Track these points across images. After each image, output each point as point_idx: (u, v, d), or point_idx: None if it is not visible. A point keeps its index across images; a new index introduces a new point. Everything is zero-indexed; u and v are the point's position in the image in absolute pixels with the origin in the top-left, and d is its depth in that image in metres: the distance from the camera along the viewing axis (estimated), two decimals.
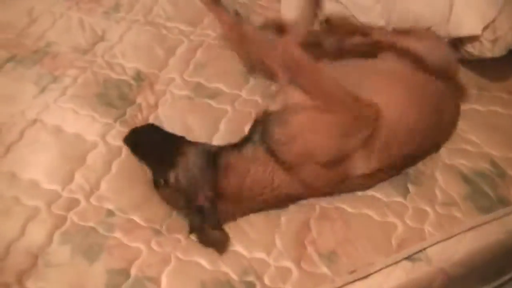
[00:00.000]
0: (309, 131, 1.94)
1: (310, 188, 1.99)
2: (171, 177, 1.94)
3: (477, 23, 2.40)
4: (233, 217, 1.96)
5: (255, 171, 1.95)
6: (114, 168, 2.14)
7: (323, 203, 2.03)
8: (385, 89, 2.07)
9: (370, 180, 2.04)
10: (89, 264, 1.83)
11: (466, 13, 2.44)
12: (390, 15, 2.53)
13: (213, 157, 1.98)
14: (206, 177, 1.93)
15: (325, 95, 1.97)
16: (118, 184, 2.09)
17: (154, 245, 1.90)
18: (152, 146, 2.05)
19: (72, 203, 2.02)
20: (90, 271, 1.82)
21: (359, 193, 2.06)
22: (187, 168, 1.95)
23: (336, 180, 2.00)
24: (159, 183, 1.98)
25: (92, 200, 2.03)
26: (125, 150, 2.18)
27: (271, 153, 1.96)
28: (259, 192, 1.95)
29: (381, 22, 2.53)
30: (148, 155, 2.06)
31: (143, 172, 2.10)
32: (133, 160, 2.14)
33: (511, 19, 2.41)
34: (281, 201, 1.99)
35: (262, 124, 2.02)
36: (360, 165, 1.97)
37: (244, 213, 1.97)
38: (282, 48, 2.12)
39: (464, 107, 2.36)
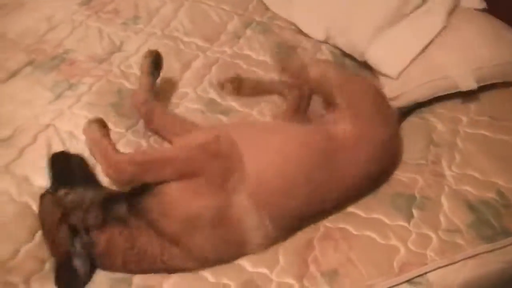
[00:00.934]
0: (185, 195, 1.88)
1: (203, 260, 1.90)
2: (62, 192, 1.96)
3: (396, 64, 2.51)
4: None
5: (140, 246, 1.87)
6: None
7: (328, 223, 2.04)
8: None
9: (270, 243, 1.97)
10: (95, 272, 1.87)
11: (386, 49, 2.57)
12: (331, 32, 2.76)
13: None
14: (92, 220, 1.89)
15: (177, 164, 1.94)
16: None
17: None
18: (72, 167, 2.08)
19: None
20: (95, 278, 1.85)
21: (363, 215, 2.08)
22: (81, 197, 1.95)
23: (232, 244, 1.93)
24: (46, 192, 2.01)
25: None
26: None
27: (153, 228, 1.87)
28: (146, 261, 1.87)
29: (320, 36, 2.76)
30: (61, 170, 2.07)
31: None
32: None
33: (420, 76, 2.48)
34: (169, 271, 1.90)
35: (128, 201, 1.94)
36: (256, 234, 1.93)
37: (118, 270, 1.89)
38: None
39: (474, 130, 2.40)
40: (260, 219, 1.90)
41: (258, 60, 2.78)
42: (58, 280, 1.79)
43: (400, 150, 2.28)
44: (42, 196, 2.00)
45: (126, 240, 1.85)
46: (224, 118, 2.44)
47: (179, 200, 1.87)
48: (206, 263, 1.89)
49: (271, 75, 2.66)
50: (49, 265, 1.87)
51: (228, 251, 1.92)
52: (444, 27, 2.50)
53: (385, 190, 2.16)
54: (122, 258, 1.85)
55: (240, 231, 1.89)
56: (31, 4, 3.10)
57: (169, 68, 2.65)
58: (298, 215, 1.99)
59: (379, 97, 2.34)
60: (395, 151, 2.25)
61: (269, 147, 2.04)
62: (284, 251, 1.95)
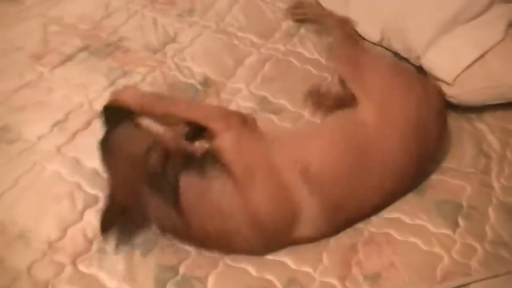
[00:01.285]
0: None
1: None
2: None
3: (452, 70, 2.46)
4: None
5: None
6: None
7: (372, 228, 2.04)
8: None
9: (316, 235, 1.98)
10: (142, 257, 1.89)
11: (442, 55, 2.52)
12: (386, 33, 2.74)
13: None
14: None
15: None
16: None
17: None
18: None
19: None
20: (142, 263, 1.87)
21: (408, 221, 2.06)
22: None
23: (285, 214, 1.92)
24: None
25: None
26: None
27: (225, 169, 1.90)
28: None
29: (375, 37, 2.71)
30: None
31: None
32: None
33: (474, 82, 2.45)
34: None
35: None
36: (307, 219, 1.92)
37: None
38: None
39: None
40: (313, 204, 1.91)
41: (311, 58, 2.77)
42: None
43: (442, 125, 2.24)
44: (117, 128, 1.97)
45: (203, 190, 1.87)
46: (275, 118, 2.44)
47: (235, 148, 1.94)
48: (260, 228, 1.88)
49: (324, 74, 2.66)
50: (96, 246, 1.91)
51: (280, 220, 1.91)
52: (503, 38, 2.48)
53: (432, 196, 2.14)
54: (197, 209, 1.85)
55: (293, 205, 1.90)
56: None
57: (222, 63, 2.68)
58: (346, 208, 1.99)
59: (397, 74, 2.34)
60: (434, 126, 2.16)
61: (314, 142, 2.05)
62: (328, 252, 1.95)
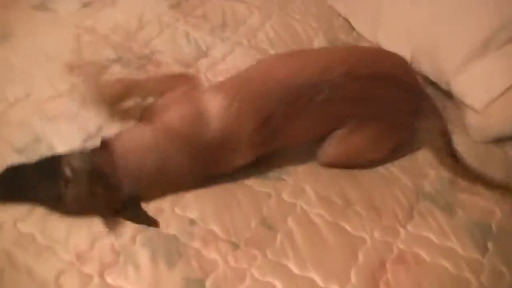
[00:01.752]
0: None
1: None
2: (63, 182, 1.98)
3: (482, 97, 2.45)
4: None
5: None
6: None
7: (401, 244, 2.04)
8: None
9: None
10: (168, 270, 1.88)
11: (473, 81, 2.51)
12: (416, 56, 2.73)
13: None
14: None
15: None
16: (202, 195, 2.14)
17: (230, 259, 1.94)
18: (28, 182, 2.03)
19: (158, 211, 2.08)
20: (168, 276, 1.86)
21: (437, 241, 2.06)
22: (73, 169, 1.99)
23: None
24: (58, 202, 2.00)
25: (177, 209, 2.09)
26: None
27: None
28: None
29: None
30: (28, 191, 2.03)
31: (228, 182, 2.19)
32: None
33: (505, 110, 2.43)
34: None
35: None
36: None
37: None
38: None
39: None
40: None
41: None
42: None
43: None
44: (60, 206, 2.02)
45: None
46: None
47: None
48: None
49: None
50: (123, 259, 1.90)
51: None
52: None
53: (462, 217, 2.15)
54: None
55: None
56: (123, 2, 3.17)
57: None
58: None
59: None
60: None
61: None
62: (357, 269, 1.95)
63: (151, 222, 2.01)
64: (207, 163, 2.11)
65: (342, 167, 2.29)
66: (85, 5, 3.16)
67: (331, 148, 2.24)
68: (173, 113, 2.13)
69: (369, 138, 2.25)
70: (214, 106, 2.09)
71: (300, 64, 2.19)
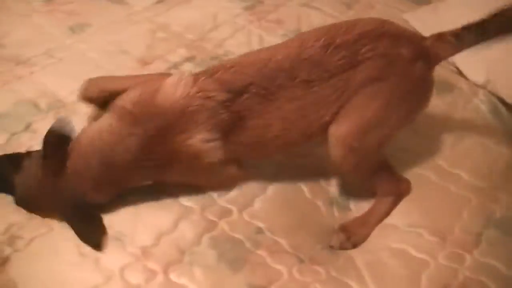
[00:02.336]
0: None
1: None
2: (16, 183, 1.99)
3: None
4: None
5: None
6: (270, 191, 2.18)
7: (467, 271, 1.97)
8: None
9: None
10: (232, 273, 1.87)
11: None
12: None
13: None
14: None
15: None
16: (271, 207, 2.12)
17: (295, 272, 1.92)
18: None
19: (226, 213, 2.07)
20: (232, 280, 1.85)
21: (505, 271, 1.98)
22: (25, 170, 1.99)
23: None
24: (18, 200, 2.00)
25: (245, 214, 2.08)
26: (281, 177, 2.23)
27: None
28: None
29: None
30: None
31: (297, 201, 2.16)
32: (289, 188, 2.20)
33: None
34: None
35: None
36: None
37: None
38: None
39: None
40: None
41: None
42: None
43: None
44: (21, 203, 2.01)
45: None
46: None
47: None
48: None
49: None
50: (188, 258, 1.90)
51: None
52: None
53: None
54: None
55: None
56: (197, 1, 3.19)
57: None
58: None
59: None
60: None
61: None
62: None
63: (94, 242, 1.91)
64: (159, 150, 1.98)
65: (361, 156, 2.02)
66: (159, 1, 3.18)
67: (342, 128, 1.97)
68: (127, 95, 2.02)
69: (378, 106, 1.97)
70: (168, 82, 2.01)
71: (275, 48, 2.08)
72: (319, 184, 2.24)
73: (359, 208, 2.18)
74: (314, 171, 2.27)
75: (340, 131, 1.96)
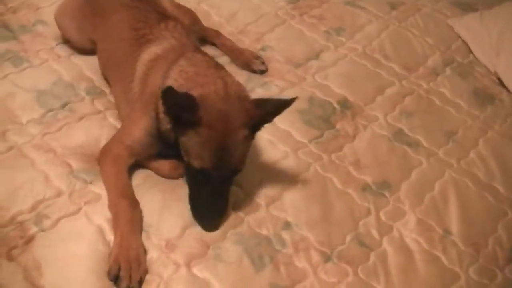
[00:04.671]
0: None
1: None
2: None
3: None
4: None
5: None
6: (300, 182, 2.16)
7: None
8: None
9: None
10: (255, 272, 1.84)
11: None
12: None
13: None
14: None
15: None
16: (300, 199, 2.10)
17: (320, 272, 1.89)
18: None
19: (253, 207, 2.05)
20: (255, 278, 1.83)
21: None
22: None
23: None
24: None
25: (272, 208, 2.05)
26: (313, 168, 2.22)
27: None
28: None
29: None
30: None
31: (326, 192, 2.14)
32: (319, 179, 2.18)
33: None
34: None
35: None
36: None
37: None
38: None
39: None
40: None
41: (452, 100, 2.71)
42: None
43: None
44: None
45: None
46: (409, 150, 2.39)
47: None
48: None
49: (465, 117, 2.62)
50: (212, 252, 1.88)
51: None
52: None
53: None
54: None
55: None
56: None
57: (362, 88, 2.65)
58: None
59: None
60: None
61: None
62: None
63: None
64: None
65: None
66: None
67: None
68: None
69: None
70: None
71: None
72: (349, 173, 2.23)
73: (394, 195, 2.19)
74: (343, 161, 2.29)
75: None
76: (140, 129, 2.06)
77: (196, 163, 1.88)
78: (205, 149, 1.85)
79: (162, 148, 2.09)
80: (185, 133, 1.87)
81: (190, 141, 1.88)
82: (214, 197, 1.92)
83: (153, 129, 2.05)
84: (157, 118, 2.02)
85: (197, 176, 1.92)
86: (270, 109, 1.92)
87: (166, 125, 1.97)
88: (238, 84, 2.00)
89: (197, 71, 2.00)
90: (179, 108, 1.82)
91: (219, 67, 2.09)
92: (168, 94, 1.77)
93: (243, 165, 1.95)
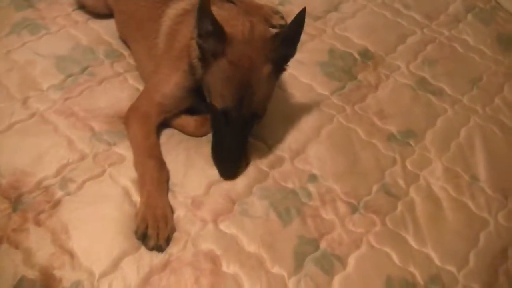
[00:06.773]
0: None
1: None
2: None
3: None
4: None
5: None
6: (323, 134, 2.15)
7: None
8: None
9: None
10: (283, 225, 1.84)
11: None
12: None
13: None
14: None
15: None
16: (324, 151, 2.10)
17: (348, 223, 1.88)
18: None
19: (277, 162, 2.04)
20: (283, 232, 1.82)
21: None
22: None
23: None
24: None
25: (297, 162, 2.04)
26: (336, 120, 2.21)
27: None
28: None
29: None
30: None
31: (350, 143, 2.13)
32: (343, 131, 2.17)
33: None
34: None
35: None
36: None
37: None
38: None
39: None
40: None
41: (475, 47, 2.67)
42: None
43: None
44: None
45: None
46: (433, 98, 2.37)
47: None
48: None
49: (489, 63, 2.58)
50: (239, 208, 1.88)
51: None
52: None
53: None
54: None
55: None
56: None
57: (384, 38, 2.63)
58: None
59: None
60: None
61: None
62: (476, 253, 1.86)
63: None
64: None
65: None
66: None
67: None
68: None
69: None
70: None
71: None
72: (373, 123, 2.23)
73: (420, 143, 2.18)
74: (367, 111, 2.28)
75: None
76: (172, 84, 2.06)
77: (218, 103, 1.89)
78: (227, 87, 1.87)
79: (193, 102, 2.09)
80: (209, 69, 1.89)
81: (214, 78, 1.89)
82: (233, 141, 1.92)
83: (187, 81, 2.04)
84: (191, 68, 2.01)
85: (219, 119, 1.92)
86: (287, 32, 1.91)
87: (200, 70, 1.96)
88: (265, 27, 2.03)
89: (227, 15, 1.99)
90: (210, 31, 1.83)
91: (248, 13, 2.11)
92: (204, 8, 1.80)
93: (264, 110, 1.96)
